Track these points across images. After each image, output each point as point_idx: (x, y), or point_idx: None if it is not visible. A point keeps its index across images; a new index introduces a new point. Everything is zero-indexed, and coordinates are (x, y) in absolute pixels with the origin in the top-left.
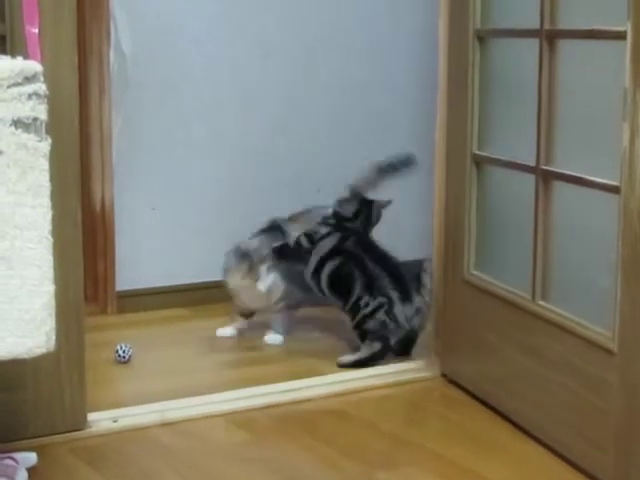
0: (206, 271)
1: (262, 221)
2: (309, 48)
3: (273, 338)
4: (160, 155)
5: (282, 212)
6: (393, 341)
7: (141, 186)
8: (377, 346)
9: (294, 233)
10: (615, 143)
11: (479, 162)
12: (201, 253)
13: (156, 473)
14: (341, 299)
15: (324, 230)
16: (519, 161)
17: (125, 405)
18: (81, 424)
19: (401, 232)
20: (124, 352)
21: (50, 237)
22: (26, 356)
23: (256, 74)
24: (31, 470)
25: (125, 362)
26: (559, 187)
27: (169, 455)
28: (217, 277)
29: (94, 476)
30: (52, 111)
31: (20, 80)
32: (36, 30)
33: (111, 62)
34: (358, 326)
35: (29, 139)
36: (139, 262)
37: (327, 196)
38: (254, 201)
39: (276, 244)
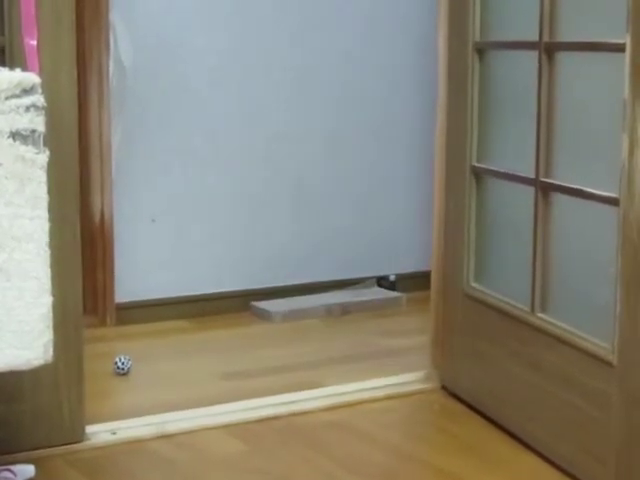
0: (205, 283)
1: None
2: (311, 60)
3: None
4: (160, 166)
5: (283, 225)
6: None
7: (141, 198)
8: None
9: None
10: (614, 155)
11: (478, 174)
12: (201, 265)
13: None
14: None
15: None
16: (518, 173)
17: (124, 417)
18: (79, 436)
19: (400, 244)
20: (123, 364)
21: (48, 249)
22: (24, 368)
23: (258, 86)
24: None
25: (124, 374)
26: (558, 199)
27: (168, 467)
28: (216, 289)
29: None
30: (51, 122)
31: (18, 92)
32: (35, 42)
33: (110, 73)
34: None
35: (27, 151)
36: (138, 274)
37: (326, 207)
38: (255, 213)
39: None
